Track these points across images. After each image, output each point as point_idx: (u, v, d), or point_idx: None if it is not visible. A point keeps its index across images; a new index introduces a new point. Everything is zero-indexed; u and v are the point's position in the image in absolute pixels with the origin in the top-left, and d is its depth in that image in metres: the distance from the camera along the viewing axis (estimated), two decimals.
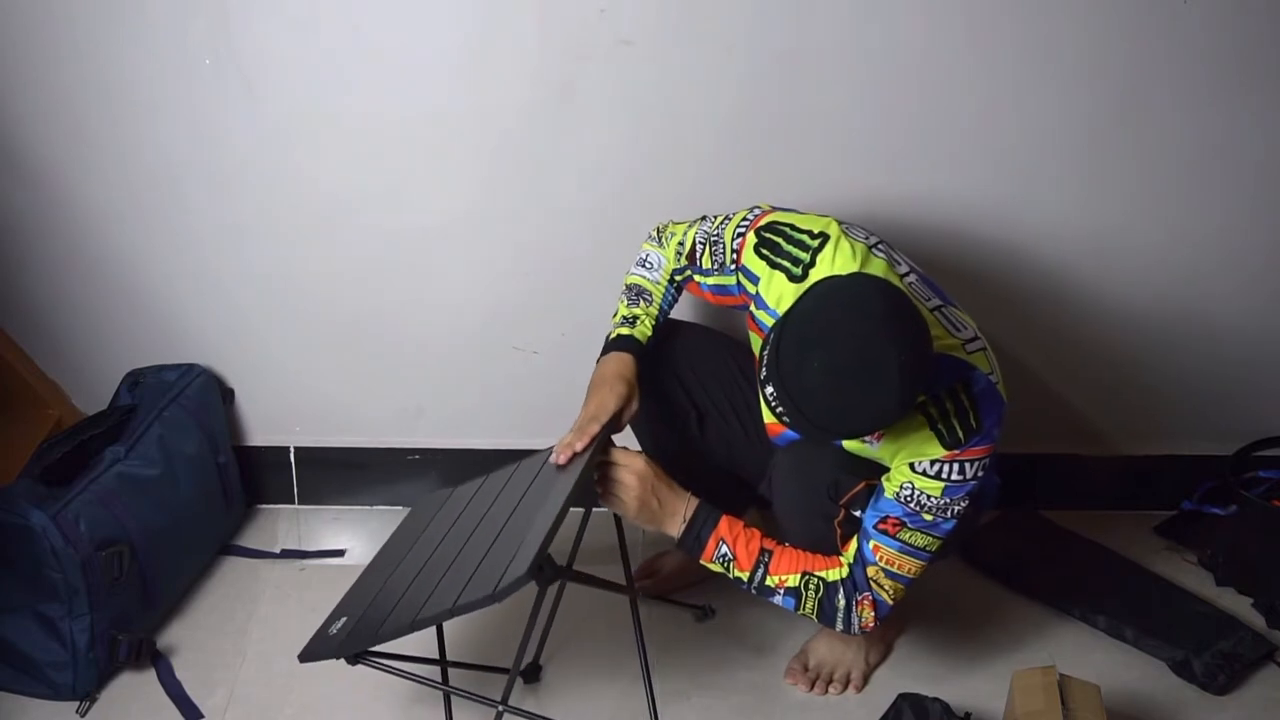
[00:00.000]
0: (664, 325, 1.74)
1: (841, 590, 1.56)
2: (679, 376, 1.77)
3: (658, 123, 1.92)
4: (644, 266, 1.73)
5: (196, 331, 2.09)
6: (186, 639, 1.87)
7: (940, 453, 1.48)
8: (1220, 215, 2.01)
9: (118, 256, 2.02)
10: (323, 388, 2.15)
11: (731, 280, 1.64)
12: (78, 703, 1.72)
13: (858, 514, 1.57)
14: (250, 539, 2.13)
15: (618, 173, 1.96)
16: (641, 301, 1.70)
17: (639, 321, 1.68)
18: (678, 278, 1.73)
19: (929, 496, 1.50)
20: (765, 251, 1.57)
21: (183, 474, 1.92)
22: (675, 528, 1.57)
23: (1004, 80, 1.89)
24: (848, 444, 1.58)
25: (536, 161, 1.95)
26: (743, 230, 1.61)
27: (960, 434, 1.47)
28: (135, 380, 2.04)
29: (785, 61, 1.88)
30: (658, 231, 1.76)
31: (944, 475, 1.49)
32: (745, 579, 1.58)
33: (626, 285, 1.73)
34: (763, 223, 1.60)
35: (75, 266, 2.03)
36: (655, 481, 1.57)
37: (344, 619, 1.57)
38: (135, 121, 1.91)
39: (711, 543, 1.57)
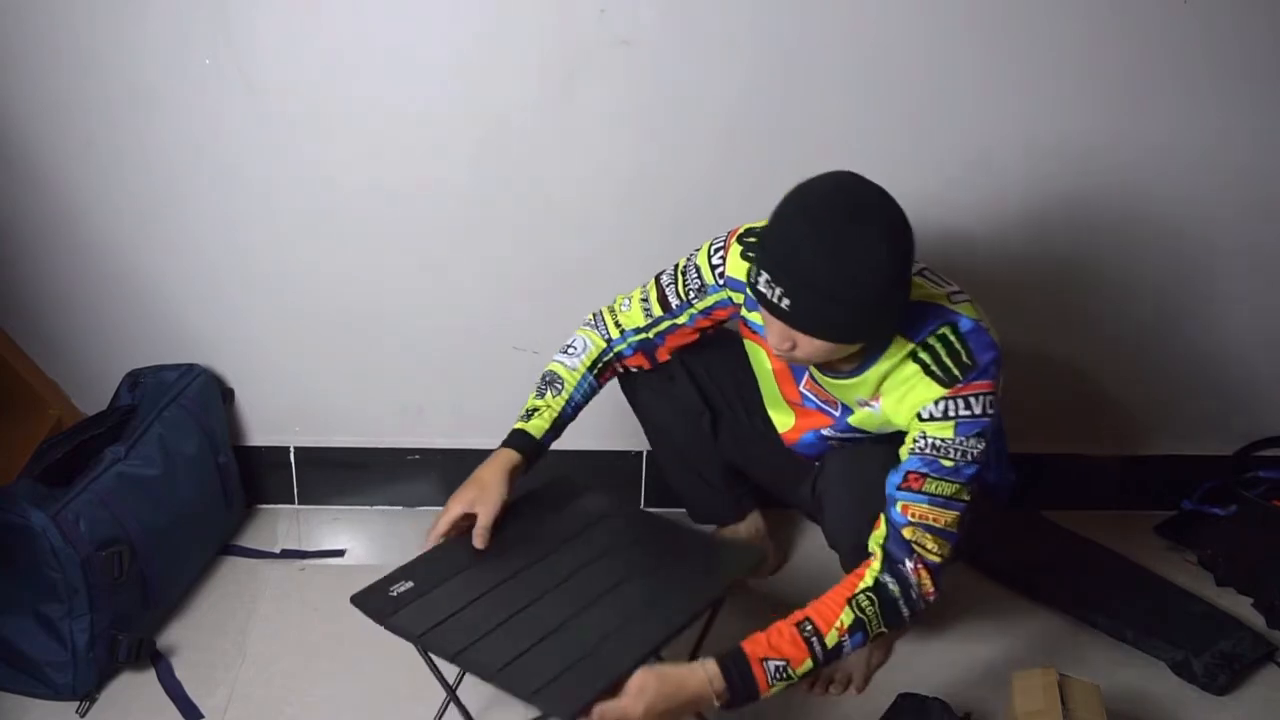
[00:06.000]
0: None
1: (889, 578, 1.48)
2: (693, 375, 1.78)
3: (658, 123, 1.92)
4: (566, 353, 1.70)
5: (196, 331, 2.09)
6: (186, 639, 1.87)
7: (941, 391, 1.47)
8: (1220, 215, 2.02)
9: (118, 257, 2.03)
10: (323, 388, 2.15)
11: (715, 298, 1.64)
12: (78, 703, 1.72)
13: None
14: (250, 539, 2.13)
15: (618, 173, 1.96)
16: (549, 392, 1.66)
17: (536, 414, 1.65)
18: (618, 351, 1.70)
19: (943, 439, 1.47)
20: (751, 254, 1.57)
21: (183, 474, 1.92)
22: (722, 697, 1.42)
23: (1005, 81, 1.90)
24: (855, 419, 1.59)
25: (537, 162, 1.95)
26: (719, 247, 1.63)
27: (955, 370, 1.47)
28: (135, 380, 2.04)
29: (785, 61, 1.88)
30: (594, 317, 1.74)
31: (951, 414, 1.47)
32: (810, 667, 1.45)
33: (544, 371, 1.70)
34: (741, 231, 1.62)
35: (75, 266, 2.03)
36: (660, 685, 1.39)
37: (409, 583, 1.53)
38: (135, 121, 1.91)
39: (759, 672, 1.42)
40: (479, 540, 1.58)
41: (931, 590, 1.50)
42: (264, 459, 2.19)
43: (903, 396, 1.50)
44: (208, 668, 1.81)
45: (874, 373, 1.53)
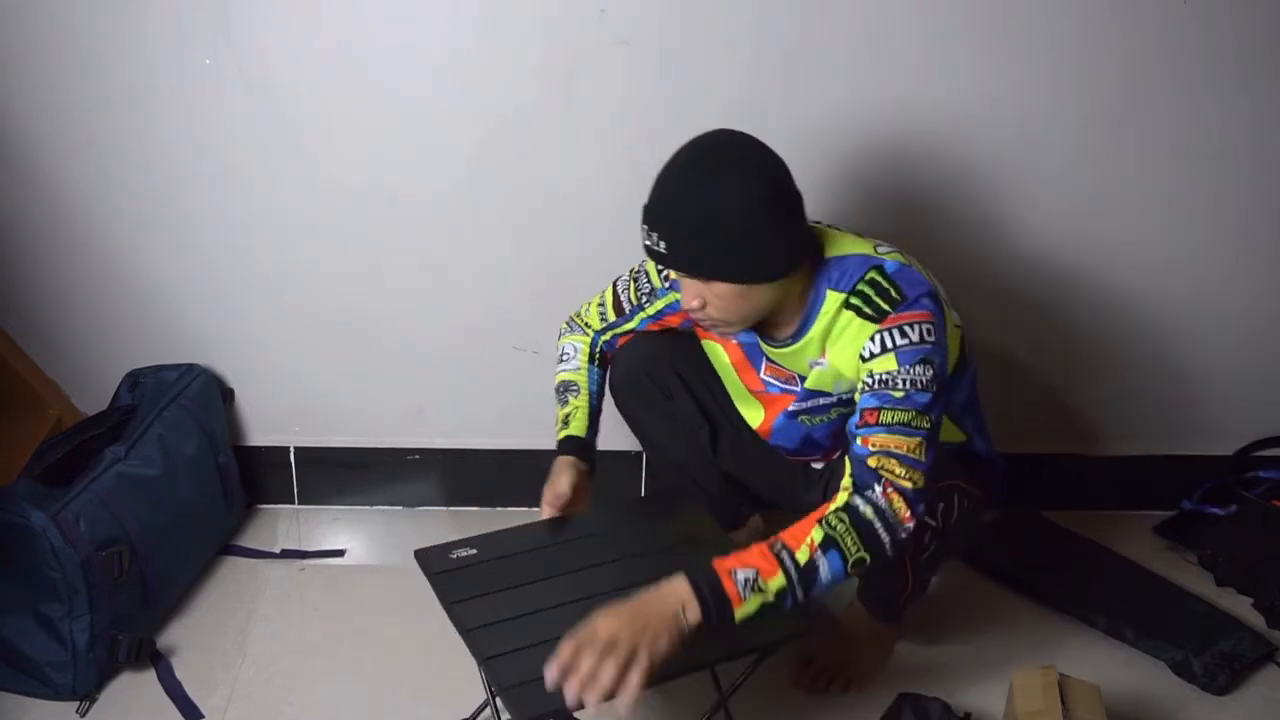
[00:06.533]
0: (674, 338, 1.75)
1: (861, 504, 1.42)
2: (691, 389, 1.78)
3: (658, 123, 1.91)
4: (563, 360, 1.77)
5: (196, 331, 2.09)
6: (186, 639, 1.87)
7: (874, 327, 1.49)
8: (1219, 215, 2.02)
9: (118, 256, 2.03)
10: (323, 388, 2.15)
11: (663, 302, 1.70)
12: (78, 703, 1.71)
13: (930, 521, 1.57)
14: (250, 539, 2.13)
15: (617, 173, 1.96)
16: (570, 396, 1.73)
17: (571, 418, 1.72)
18: (601, 345, 1.76)
19: (888, 372, 1.48)
20: None
21: (183, 474, 1.92)
22: (693, 612, 1.34)
23: (1005, 81, 1.90)
24: (811, 383, 1.61)
25: (536, 162, 1.95)
26: None
27: (884, 305, 1.49)
28: (135, 380, 2.04)
29: (785, 61, 1.88)
30: (567, 324, 1.80)
31: (889, 345, 1.48)
32: (784, 584, 1.37)
33: (555, 385, 1.76)
34: None
35: (75, 266, 2.03)
36: (626, 604, 1.34)
37: (473, 550, 1.54)
38: (135, 121, 1.91)
39: (728, 583, 1.36)
40: (546, 510, 1.62)
41: (908, 515, 1.43)
42: (264, 459, 2.19)
43: (844, 345, 1.54)
44: (208, 668, 1.81)
45: (816, 330, 1.56)
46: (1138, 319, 2.10)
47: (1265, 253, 2.05)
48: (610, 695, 1.28)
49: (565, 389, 1.74)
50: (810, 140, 1.93)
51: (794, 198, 1.50)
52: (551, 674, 1.29)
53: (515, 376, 2.11)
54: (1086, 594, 1.96)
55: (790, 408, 1.68)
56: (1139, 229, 2.02)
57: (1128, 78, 1.90)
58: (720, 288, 1.48)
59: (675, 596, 1.34)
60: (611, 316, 1.74)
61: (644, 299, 1.71)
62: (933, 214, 1.99)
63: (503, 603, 1.47)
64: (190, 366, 2.07)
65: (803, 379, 1.63)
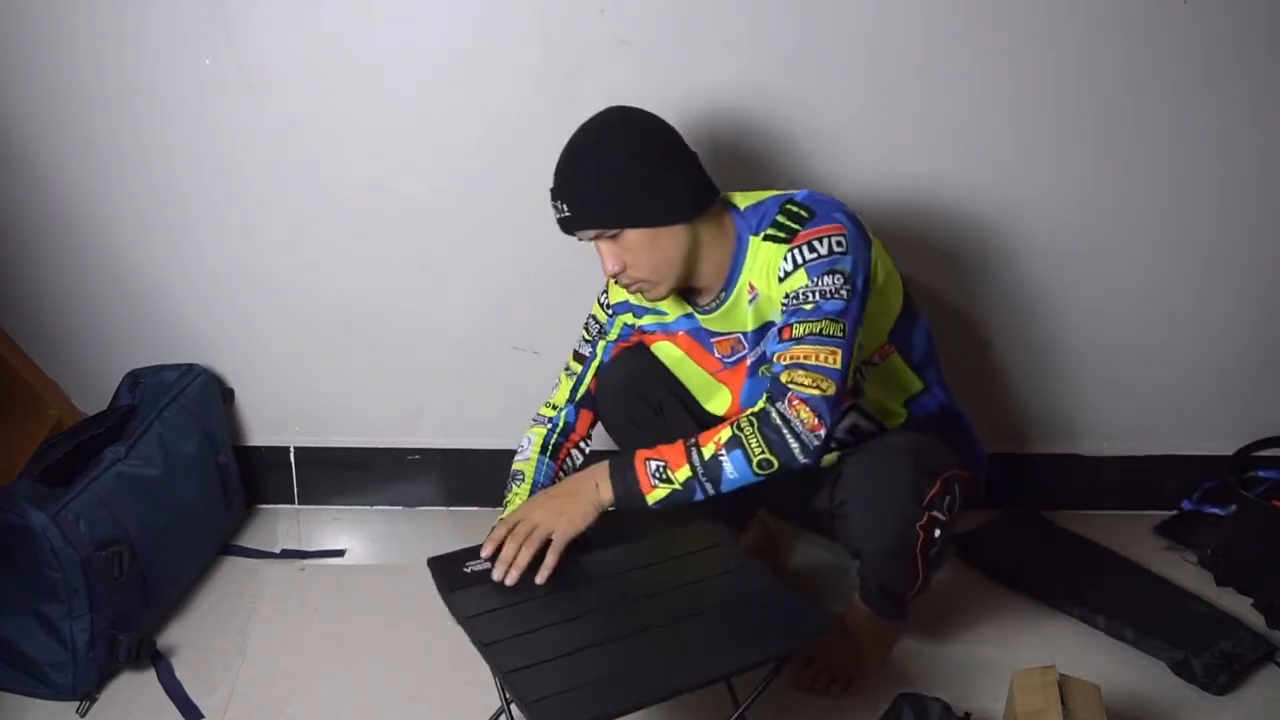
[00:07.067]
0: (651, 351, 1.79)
1: (773, 411, 1.52)
2: (683, 400, 1.78)
3: None
4: (518, 452, 1.79)
5: (196, 331, 2.10)
6: (186, 639, 1.87)
7: (785, 248, 1.56)
8: (1218, 214, 2.02)
9: (118, 256, 2.03)
10: (323, 388, 2.15)
11: (615, 330, 1.78)
12: (78, 703, 1.71)
13: (939, 516, 1.59)
14: (250, 539, 2.13)
15: None
16: (514, 485, 1.75)
17: (508, 505, 1.72)
18: (563, 423, 1.78)
19: (799, 288, 1.55)
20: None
21: (183, 474, 1.92)
22: (606, 491, 1.53)
23: (1006, 80, 1.90)
24: (754, 323, 1.63)
25: (536, 162, 1.94)
26: (603, 290, 1.78)
27: (794, 225, 1.57)
28: (135, 380, 2.04)
29: (785, 61, 1.88)
30: (533, 418, 1.81)
31: (799, 261, 1.55)
32: (689, 474, 1.52)
33: (509, 474, 1.78)
34: None
35: (75, 266, 2.03)
36: (545, 493, 1.59)
37: (488, 563, 1.53)
38: (135, 121, 1.91)
39: (641, 469, 1.53)
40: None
41: (817, 424, 1.51)
42: (264, 459, 2.20)
43: (769, 271, 1.59)
44: (208, 668, 1.81)
45: (744, 278, 1.62)
46: (1137, 319, 2.10)
47: (1265, 253, 2.05)
48: (527, 572, 1.49)
49: (512, 478, 1.76)
50: (809, 140, 1.93)
51: (687, 151, 1.59)
52: (485, 551, 1.52)
53: (515, 376, 2.11)
54: (1086, 594, 1.95)
55: (750, 361, 1.69)
56: (1138, 229, 2.02)
57: (1128, 78, 1.90)
58: (631, 239, 1.55)
59: (592, 478, 1.55)
60: (578, 369, 1.80)
61: (597, 337, 1.79)
62: (931, 213, 1.99)
63: (517, 616, 1.45)
64: (190, 366, 2.07)
65: (745, 332, 1.65)
